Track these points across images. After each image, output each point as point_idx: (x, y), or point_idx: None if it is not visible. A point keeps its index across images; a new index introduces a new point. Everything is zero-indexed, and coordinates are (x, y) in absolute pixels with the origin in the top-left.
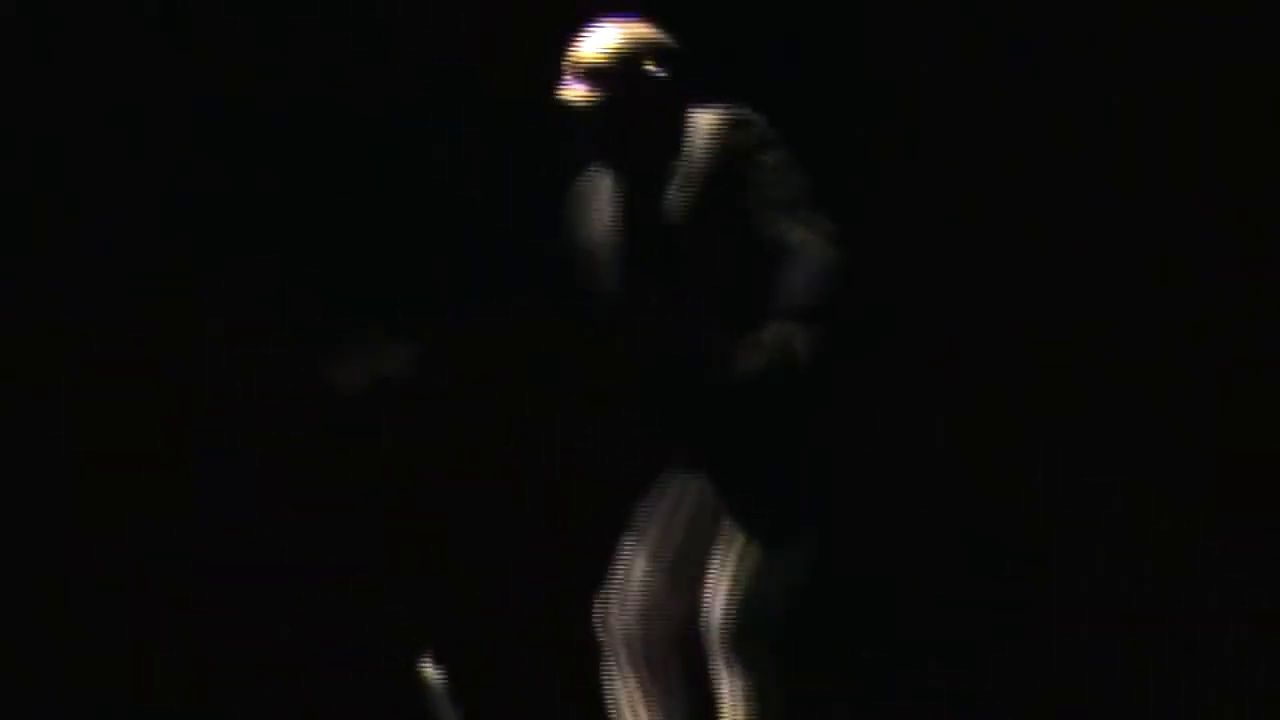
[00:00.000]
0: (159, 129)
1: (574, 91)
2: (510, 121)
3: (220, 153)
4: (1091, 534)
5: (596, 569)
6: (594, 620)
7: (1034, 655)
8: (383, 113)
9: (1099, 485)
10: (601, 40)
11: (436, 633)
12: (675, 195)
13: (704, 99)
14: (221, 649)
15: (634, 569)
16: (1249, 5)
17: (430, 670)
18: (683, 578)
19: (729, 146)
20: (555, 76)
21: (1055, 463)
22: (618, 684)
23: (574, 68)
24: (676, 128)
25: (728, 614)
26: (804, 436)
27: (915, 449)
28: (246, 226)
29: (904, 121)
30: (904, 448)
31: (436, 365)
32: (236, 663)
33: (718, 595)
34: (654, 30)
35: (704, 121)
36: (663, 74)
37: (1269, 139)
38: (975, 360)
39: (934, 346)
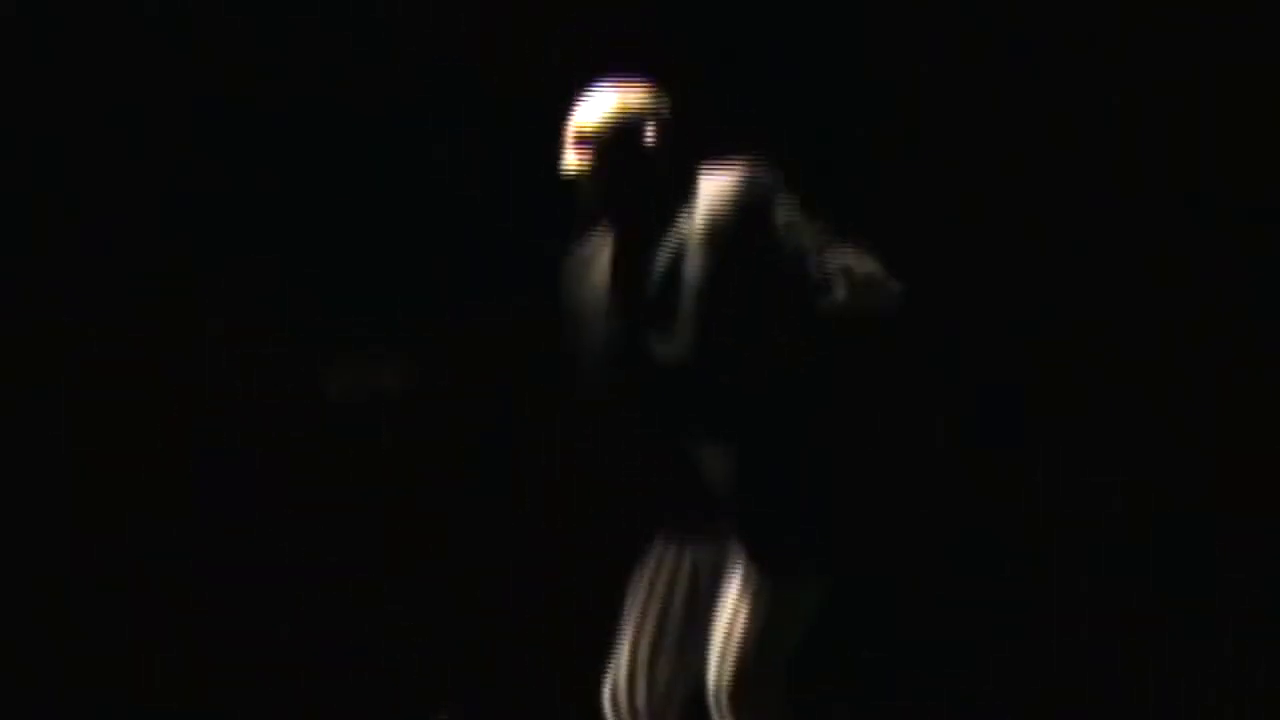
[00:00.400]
0: (159, 129)
1: (571, 161)
2: (510, 121)
3: (220, 153)
4: (1092, 534)
5: (597, 572)
6: (603, 704)
7: (1034, 655)
8: (383, 113)
9: (1099, 485)
10: (599, 108)
11: (450, 681)
12: (690, 259)
13: (713, 157)
14: (220, 651)
15: (639, 646)
16: (1249, 5)
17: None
18: (688, 649)
19: (742, 206)
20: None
21: (1055, 462)
22: None
23: (572, 135)
24: (682, 190)
25: (729, 677)
26: (807, 474)
27: (915, 449)
28: (246, 226)
29: (904, 121)
30: (904, 447)
31: (436, 367)
32: (235, 664)
33: (717, 658)
34: (653, 96)
35: (714, 183)
36: (660, 139)
37: (1269, 139)
38: (975, 360)
39: (934, 346)
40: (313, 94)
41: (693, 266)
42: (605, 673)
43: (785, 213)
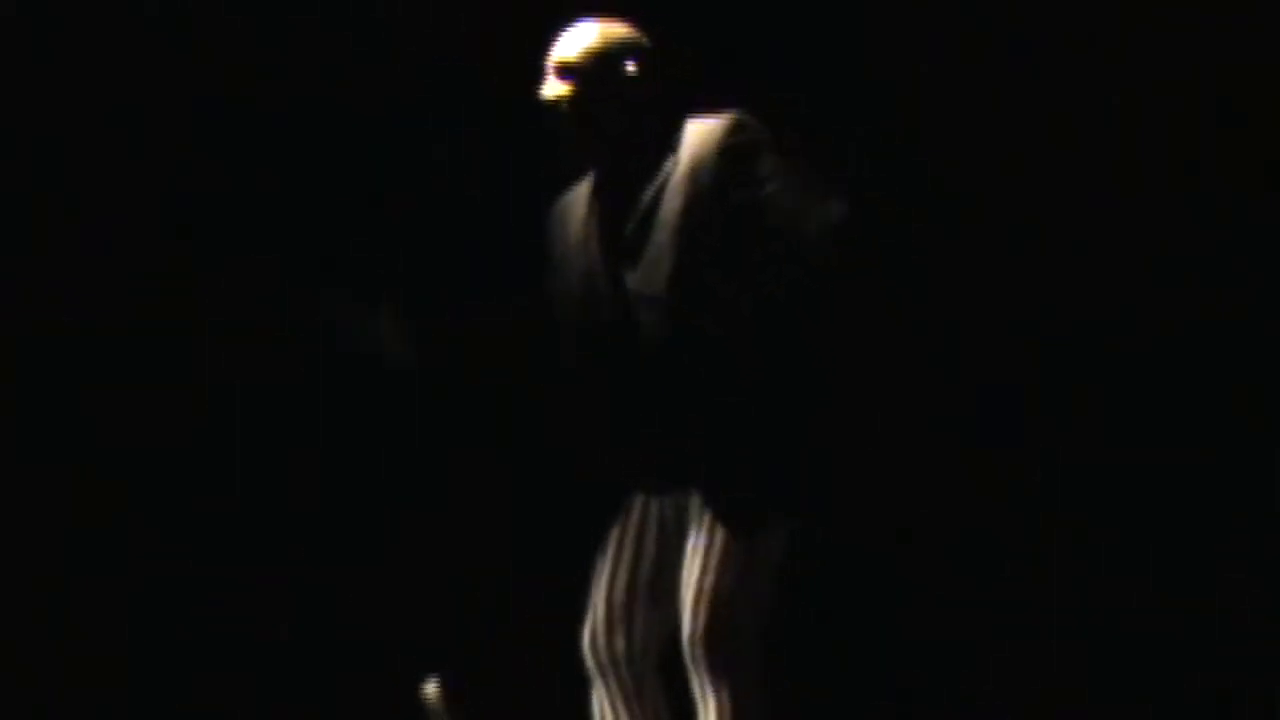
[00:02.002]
0: (159, 129)
1: (551, 89)
2: (510, 121)
3: (220, 153)
4: (1091, 533)
5: (575, 526)
6: (581, 647)
7: (1034, 655)
8: (383, 113)
9: (1098, 485)
10: (578, 38)
11: (439, 649)
12: (668, 202)
13: (698, 107)
14: (221, 649)
15: (614, 594)
16: (1248, 5)
17: (432, 690)
18: (661, 597)
19: (727, 148)
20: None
21: (1053, 462)
22: (604, 707)
23: (551, 66)
24: (664, 132)
25: (700, 626)
26: (774, 424)
27: (915, 449)
28: (246, 226)
29: (904, 121)
30: (904, 447)
31: (433, 358)
32: (237, 662)
33: (689, 609)
34: (633, 30)
35: (698, 128)
36: (641, 73)
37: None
38: (975, 359)
39: (933, 344)
40: (313, 94)
41: (671, 206)
42: (582, 622)
43: (772, 162)
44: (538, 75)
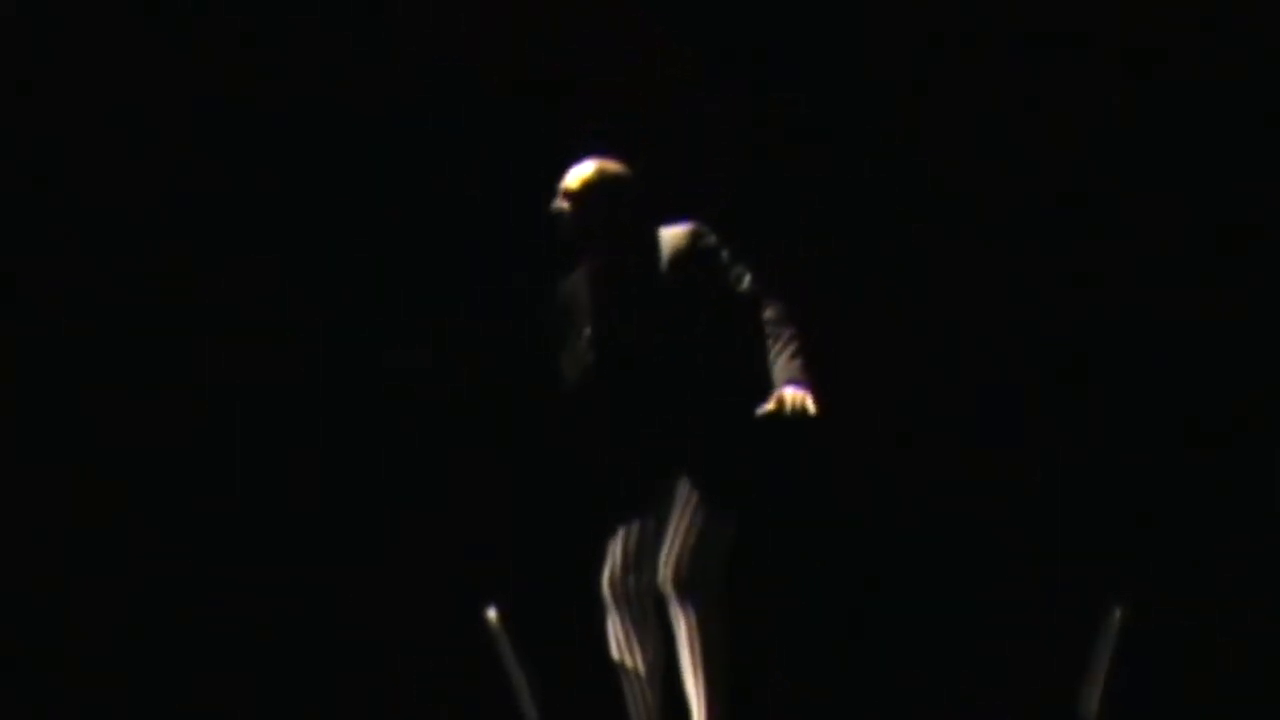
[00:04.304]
0: (159, 129)
1: (557, 206)
2: (510, 121)
3: (220, 152)
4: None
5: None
6: (602, 586)
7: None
8: (383, 113)
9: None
10: (581, 172)
11: (497, 582)
12: (653, 289)
13: (667, 219)
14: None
15: (628, 546)
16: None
17: (493, 615)
18: (657, 545)
19: (690, 252)
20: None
21: (1053, 463)
22: (618, 629)
23: (561, 189)
24: (645, 241)
25: (679, 565)
26: (732, 439)
27: (915, 450)
28: (247, 226)
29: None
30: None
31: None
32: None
33: (671, 552)
34: (624, 169)
35: (668, 235)
36: (626, 201)
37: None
38: (974, 358)
39: (931, 345)
40: (313, 94)
41: (659, 281)
42: (602, 569)
43: (726, 253)
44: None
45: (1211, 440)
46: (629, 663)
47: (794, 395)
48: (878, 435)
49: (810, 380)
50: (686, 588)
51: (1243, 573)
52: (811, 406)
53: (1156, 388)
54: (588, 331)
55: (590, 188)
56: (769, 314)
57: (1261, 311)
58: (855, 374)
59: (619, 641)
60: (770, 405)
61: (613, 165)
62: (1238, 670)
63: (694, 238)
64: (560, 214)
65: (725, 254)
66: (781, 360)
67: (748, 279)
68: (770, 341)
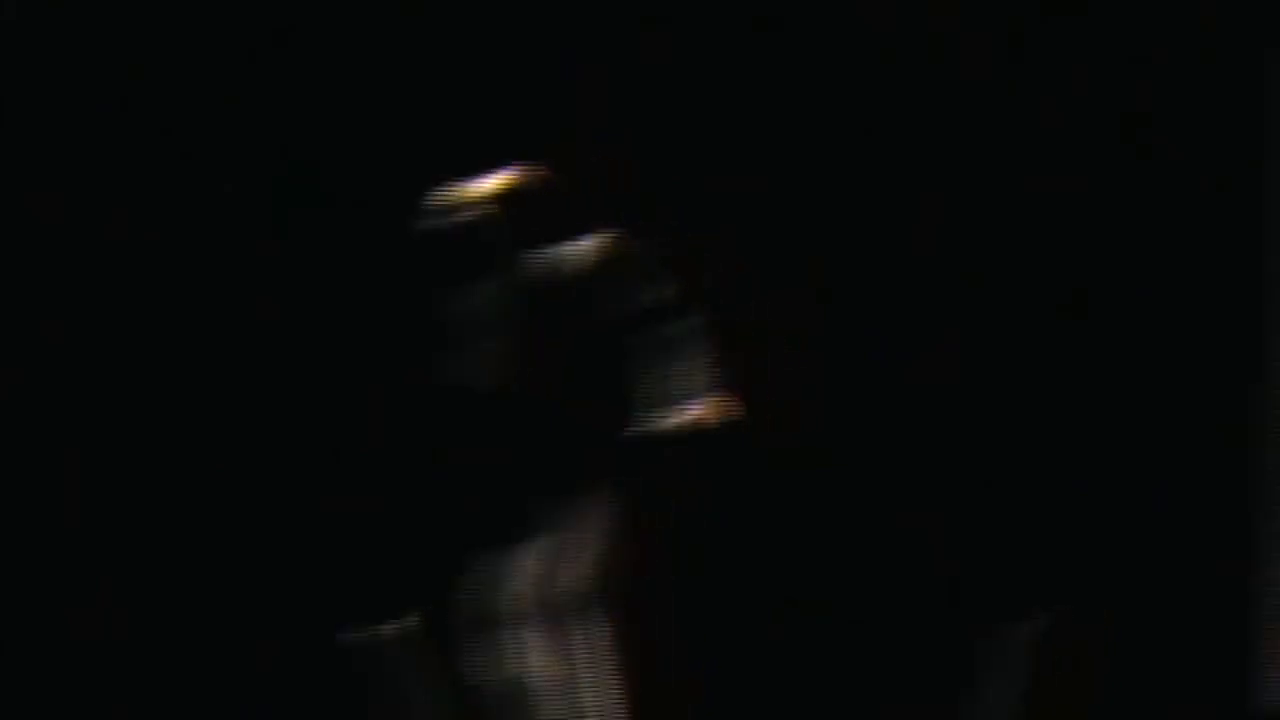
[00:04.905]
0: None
1: (462, 216)
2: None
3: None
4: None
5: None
6: (500, 598)
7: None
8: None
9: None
10: (486, 181)
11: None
12: (561, 299)
13: (590, 227)
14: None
15: (527, 559)
16: None
17: (393, 630)
18: (557, 561)
19: (610, 260)
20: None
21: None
22: (518, 645)
23: (464, 198)
24: (561, 250)
25: (579, 581)
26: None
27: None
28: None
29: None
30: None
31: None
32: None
33: (570, 568)
34: (532, 174)
35: (589, 244)
36: (542, 208)
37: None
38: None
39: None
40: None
41: (567, 291)
42: (499, 584)
43: (652, 271)
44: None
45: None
46: (522, 681)
47: (708, 408)
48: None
49: (728, 391)
50: (583, 606)
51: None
52: (726, 418)
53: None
54: (493, 343)
55: (506, 196)
56: (686, 324)
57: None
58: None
59: (518, 659)
60: (682, 418)
61: (521, 173)
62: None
63: (612, 247)
64: (471, 224)
65: (644, 264)
66: (695, 371)
67: (666, 290)
68: (685, 353)
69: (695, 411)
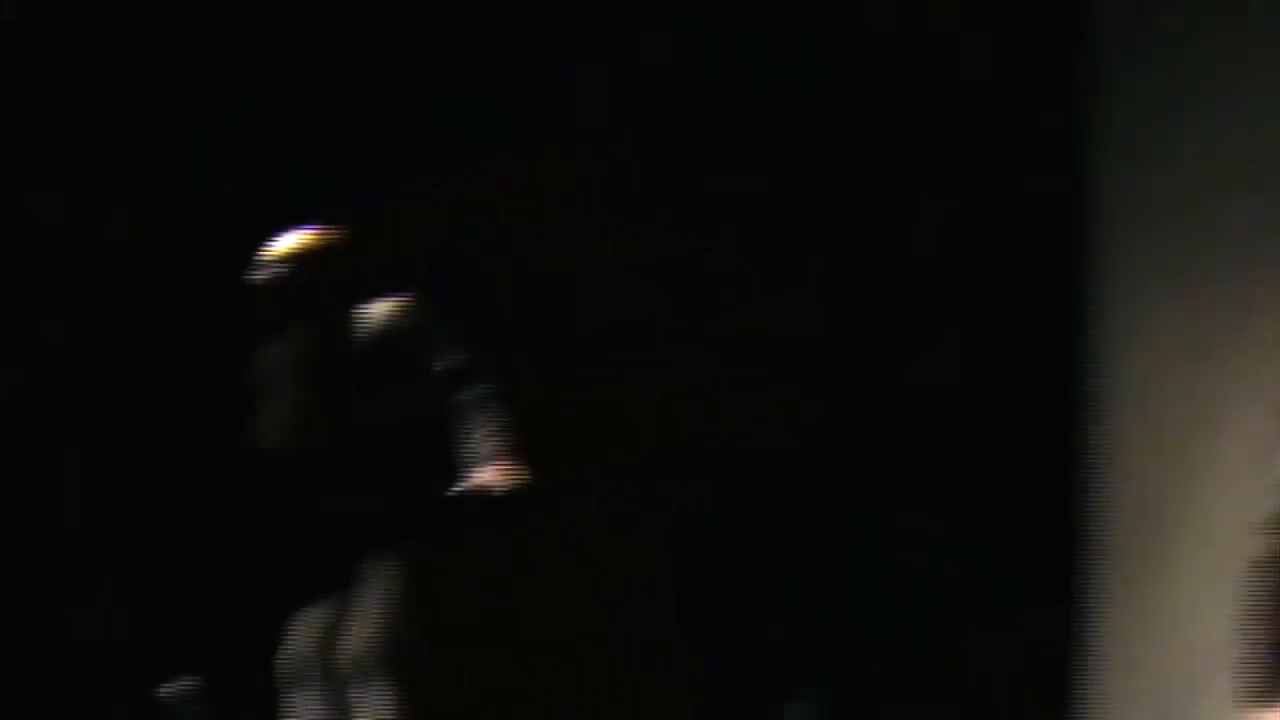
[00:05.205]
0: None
1: (263, 276)
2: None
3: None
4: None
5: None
6: (284, 659)
7: None
8: None
9: None
10: (289, 242)
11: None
12: (356, 362)
13: (385, 292)
14: None
15: (312, 621)
16: None
17: (176, 689)
18: (341, 625)
19: (403, 325)
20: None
21: None
22: (298, 707)
23: (265, 259)
24: (353, 313)
25: (361, 646)
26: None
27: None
28: None
29: None
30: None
31: None
32: None
33: (354, 633)
34: (330, 238)
35: (383, 308)
36: (337, 271)
37: None
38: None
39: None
40: None
41: (357, 355)
42: (285, 646)
43: (438, 333)
44: None
45: None
46: None
47: (490, 476)
48: None
49: (510, 460)
50: (368, 669)
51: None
52: (508, 487)
53: None
54: (287, 402)
55: (302, 258)
56: (472, 393)
57: None
58: None
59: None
60: (467, 485)
61: (322, 235)
62: None
63: (405, 312)
64: (268, 283)
65: (435, 331)
66: (481, 440)
67: (454, 357)
68: (472, 420)
69: (484, 476)
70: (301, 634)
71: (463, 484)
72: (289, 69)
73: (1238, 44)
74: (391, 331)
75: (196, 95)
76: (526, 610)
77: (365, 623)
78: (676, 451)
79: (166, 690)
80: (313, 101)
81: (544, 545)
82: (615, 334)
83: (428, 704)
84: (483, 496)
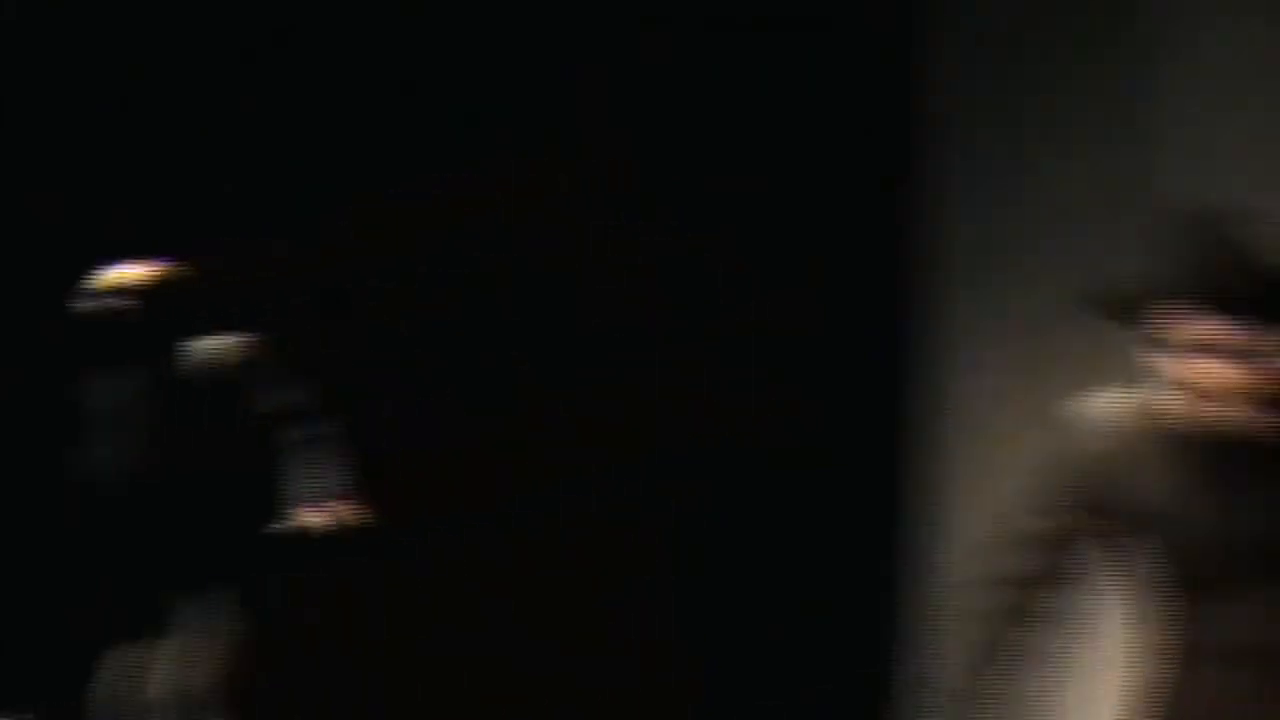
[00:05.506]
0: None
1: (96, 306)
2: None
3: None
4: None
5: None
6: (106, 694)
7: None
8: None
9: None
10: (123, 273)
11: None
12: (187, 397)
13: (222, 327)
14: None
15: (136, 656)
16: None
17: None
18: (167, 659)
19: (245, 362)
20: None
21: None
22: None
23: (98, 288)
24: (192, 346)
25: (187, 681)
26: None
27: None
28: None
29: None
30: None
31: None
32: None
33: (181, 668)
34: (165, 271)
35: (226, 343)
36: (171, 300)
37: None
38: None
39: None
40: None
41: (194, 390)
42: (107, 680)
43: (276, 367)
44: None
45: None
46: None
47: (315, 516)
48: None
49: (347, 496)
50: (193, 704)
51: None
52: (344, 522)
53: None
54: (122, 436)
55: (146, 289)
56: (304, 432)
57: None
58: None
59: None
60: (301, 521)
61: (157, 268)
62: None
63: (248, 349)
64: (98, 314)
65: (268, 368)
66: (309, 479)
67: (286, 395)
68: (302, 460)
69: (325, 513)
70: (122, 670)
71: (287, 523)
72: (289, 69)
73: (1073, 89)
74: (224, 368)
75: (197, 95)
76: (526, 610)
77: (188, 659)
78: (676, 451)
79: None
80: (312, 101)
81: (544, 545)
82: (615, 334)
83: None
84: (305, 537)
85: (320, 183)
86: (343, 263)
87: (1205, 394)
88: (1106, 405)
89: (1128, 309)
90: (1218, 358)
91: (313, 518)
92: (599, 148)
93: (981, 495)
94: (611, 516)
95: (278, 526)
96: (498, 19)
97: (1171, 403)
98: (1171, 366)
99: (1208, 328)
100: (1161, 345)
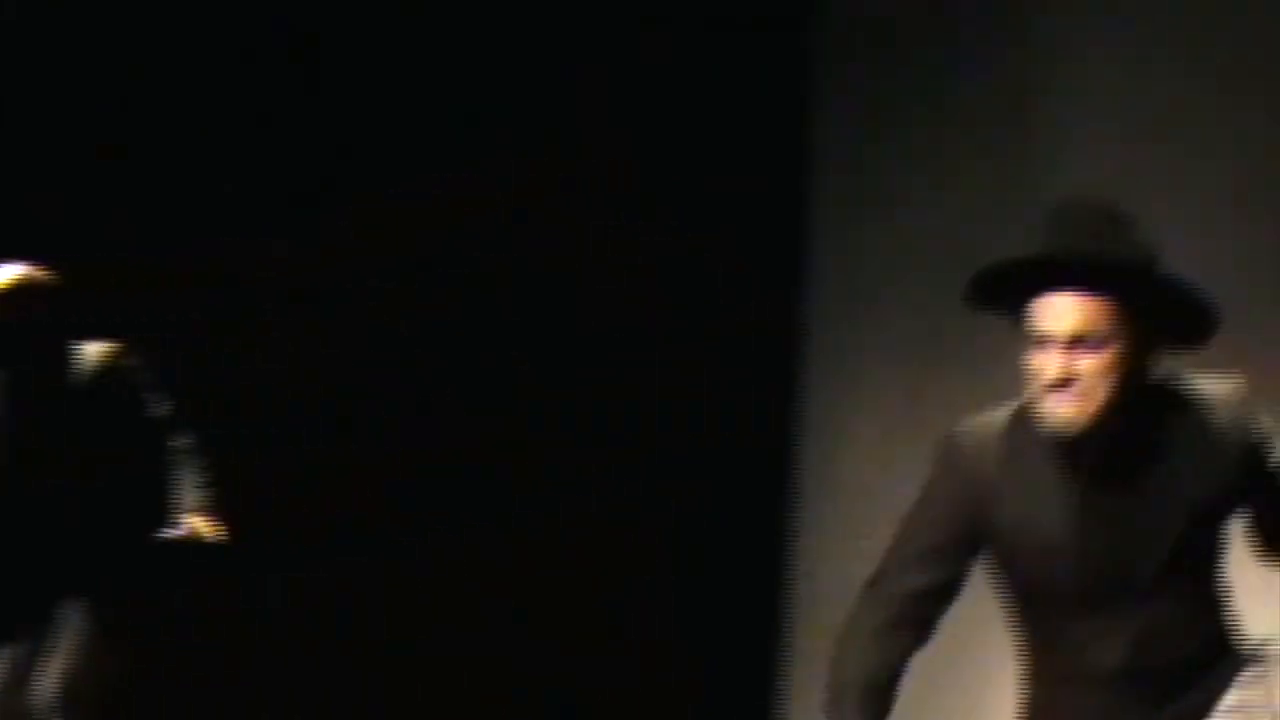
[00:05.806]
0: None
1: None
2: None
3: None
4: None
5: None
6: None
7: None
8: None
9: None
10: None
11: None
12: (62, 405)
13: (91, 334)
14: None
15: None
16: None
17: None
18: (37, 672)
19: (111, 370)
20: None
21: None
22: None
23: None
24: (62, 354)
25: (56, 694)
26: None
27: None
28: None
29: None
30: None
31: None
32: None
33: (51, 681)
34: (42, 275)
35: (92, 350)
36: (41, 306)
37: None
38: None
39: None
40: None
41: (65, 397)
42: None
43: (149, 378)
44: None
45: None
46: None
47: (196, 525)
48: None
49: (216, 509)
50: (57, 713)
51: None
52: (213, 535)
53: None
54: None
55: (9, 294)
56: (180, 441)
57: None
58: None
59: None
60: (173, 534)
61: (34, 270)
62: None
63: (114, 356)
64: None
65: (144, 376)
66: (188, 488)
67: (163, 404)
68: (179, 469)
69: (185, 527)
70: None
71: (164, 533)
72: (288, 69)
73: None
74: (98, 375)
75: (195, 96)
76: (525, 610)
77: (64, 672)
78: (676, 451)
79: None
80: (312, 101)
81: (544, 545)
82: (615, 334)
83: None
84: (180, 547)
85: (320, 183)
86: (342, 263)
87: (1044, 390)
88: (984, 422)
89: (1001, 298)
90: (1054, 349)
91: (183, 530)
92: (599, 148)
93: (865, 515)
94: (611, 516)
95: (149, 535)
96: (497, 19)
97: (1035, 407)
98: (1030, 363)
99: (1045, 315)
100: (1028, 340)
